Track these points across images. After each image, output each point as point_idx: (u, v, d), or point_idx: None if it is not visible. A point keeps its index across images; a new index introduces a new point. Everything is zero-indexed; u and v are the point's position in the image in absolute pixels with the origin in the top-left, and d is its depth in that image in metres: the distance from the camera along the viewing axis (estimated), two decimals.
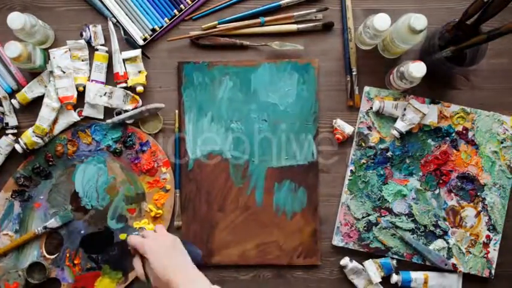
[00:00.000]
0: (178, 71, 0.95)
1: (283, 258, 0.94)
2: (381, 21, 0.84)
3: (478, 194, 0.94)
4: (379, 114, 0.95)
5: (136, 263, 0.78)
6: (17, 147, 0.91)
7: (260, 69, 0.95)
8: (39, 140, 0.91)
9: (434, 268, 0.94)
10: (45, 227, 0.92)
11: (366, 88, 0.95)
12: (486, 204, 0.94)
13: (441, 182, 0.94)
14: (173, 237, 0.79)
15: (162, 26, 0.96)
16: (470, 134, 0.95)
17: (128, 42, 0.95)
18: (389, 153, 0.94)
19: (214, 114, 0.95)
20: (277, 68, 0.95)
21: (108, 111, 0.95)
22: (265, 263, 0.94)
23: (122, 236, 0.93)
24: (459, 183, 0.94)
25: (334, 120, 0.95)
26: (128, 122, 0.94)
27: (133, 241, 0.78)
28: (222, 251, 0.94)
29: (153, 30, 0.96)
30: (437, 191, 0.94)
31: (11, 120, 0.94)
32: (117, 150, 0.94)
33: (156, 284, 0.75)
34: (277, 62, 0.95)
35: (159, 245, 0.76)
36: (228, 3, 0.97)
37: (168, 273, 0.73)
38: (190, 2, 0.96)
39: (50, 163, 0.93)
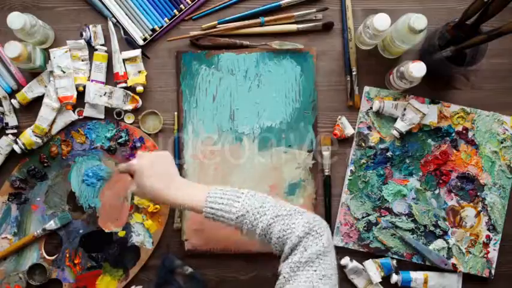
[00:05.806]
0: (176, 60, 0.95)
1: None
2: (380, 21, 0.84)
3: (478, 194, 0.94)
4: (379, 114, 0.95)
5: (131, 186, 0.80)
6: (16, 147, 0.91)
7: (258, 58, 0.95)
8: (39, 140, 0.90)
9: (434, 268, 0.93)
10: (44, 229, 0.92)
11: (366, 88, 0.95)
12: (486, 204, 0.94)
13: (441, 182, 0.94)
14: (162, 153, 0.81)
15: (162, 26, 0.96)
16: (470, 134, 0.95)
17: (128, 42, 0.95)
18: (389, 153, 0.94)
19: (213, 104, 0.95)
20: (275, 56, 0.95)
21: (109, 111, 0.95)
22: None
23: (121, 234, 0.93)
24: (459, 183, 0.94)
25: (339, 116, 0.95)
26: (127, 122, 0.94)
27: (122, 167, 0.81)
28: (227, 241, 0.93)
29: (153, 30, 0.96)
30: (437, 191, 0.94)
31: (11, 120, 0.94)
32: (112, 148, 0.94)
33: (147, 197, 0.78)
34: (275, 51, 0.95)
35: (145, 160, 0.77)
36: (228, 3, 0.97)
37: (151, 185, 0.75)
38: (190, 2, 0.96)
39: (45, 164, 0.93)
